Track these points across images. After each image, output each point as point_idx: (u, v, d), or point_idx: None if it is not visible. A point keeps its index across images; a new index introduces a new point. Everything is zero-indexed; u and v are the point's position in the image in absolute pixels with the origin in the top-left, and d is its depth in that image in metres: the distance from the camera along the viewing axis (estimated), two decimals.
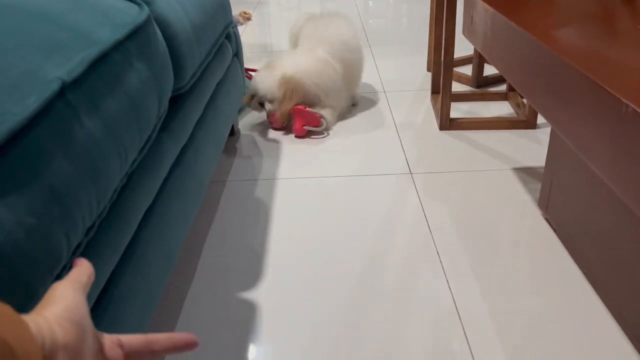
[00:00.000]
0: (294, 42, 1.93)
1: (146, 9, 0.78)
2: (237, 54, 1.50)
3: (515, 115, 1.75)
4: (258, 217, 1.28)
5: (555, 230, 1.17)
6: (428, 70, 2.19)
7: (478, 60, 1.96)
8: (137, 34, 0.72)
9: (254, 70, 1.86)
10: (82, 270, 0.42)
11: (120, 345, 0.42)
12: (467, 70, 2.09)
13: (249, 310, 1.00)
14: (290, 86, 1.64)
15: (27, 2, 0.61)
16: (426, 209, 1.27)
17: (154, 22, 0.81)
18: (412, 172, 1.44)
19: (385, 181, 1.40)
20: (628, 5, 1.05)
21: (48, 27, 0.59)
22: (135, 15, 0.74)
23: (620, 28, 0.93)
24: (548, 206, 1.19)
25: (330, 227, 1.22)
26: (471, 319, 0.95)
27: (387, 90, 2.02)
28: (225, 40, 1.34)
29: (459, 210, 1.26)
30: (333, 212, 1.28)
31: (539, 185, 1.34)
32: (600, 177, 0.70)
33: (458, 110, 1.81)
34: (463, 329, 0.93)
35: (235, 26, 1.48)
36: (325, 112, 1.69)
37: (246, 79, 1.80)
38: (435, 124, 1.71)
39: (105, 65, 0.62)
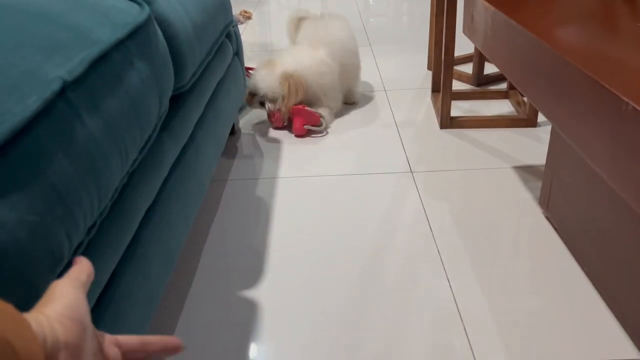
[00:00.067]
0: (292, 34, 1.94)
1: (147, 8, 0.78)
2: (238, 53, 1.50)
3: (515, 113, 1.75)
4: (259, 216, 1.28)
5: (555, 229, 1.17)
6: (428, 68, 2.19)
7: (478, 59, 1.96)
8: (137, 33, 0.72)
9: (253, 69, 1.86)
10: (82, 269, 0.43)
11: (118, 345, 0.42)
12: (467, 68, 2.09)
13: (250, 310, 1.00)
14: (293, 81, 1.64)
15: (27, 2, 0.62)
16: (427, 208, 1.27)
17: (155, 22, 0.81)
18: (412, 170, 1.44)
19: (385, 180, 1.41)
20: (628, 3, 1.05)
21: (48, 27, 0.59)
22: (135, 14, 0.75)
23: (620, 26, 0.93)
24: (549, 204, 1.19)
25: (331, 226, 1.23)
26: (472, 318, 0.95)
27: (387, 88, 2.02)
28: (225, 39, 1.34)
29: (460, 208, 1.27)
30: (334, 211, 1.28)
31: (539, 184, 1.34)
32: (600, 175, 0.70)
33: (458, 108, 1.81)
34: (464, 327, 0.93)
35: (236, 25, 1.48)
36: (323, 111, 1.70)
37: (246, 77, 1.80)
38: (435, 123, 1.71)
39: (105, 64, 0.63)
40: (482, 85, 1.99)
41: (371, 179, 1.42)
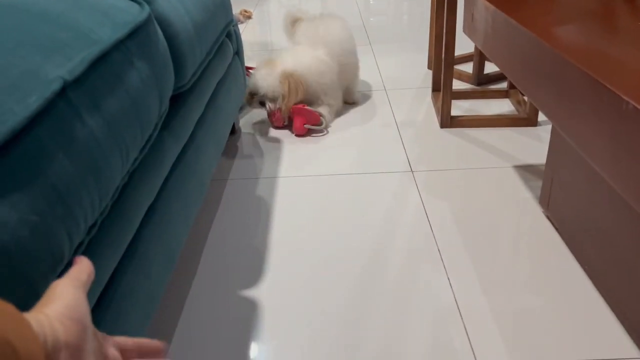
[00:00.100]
0: (289, 32, 1.94)
1: (147, 8, 0.78)
2: (238, 53, 1.50)
3: (516, 112, 1.75)
4: (259, 215, 1.28)
5: (556, 228, 1.17)
6: (429, 67, 2.19)
7: (479, 58, 1.96)
8: (137, 33, 0.72)
9: (253, 68, 1.86)
10: (82, 268, 0.43)
11: (117, 346, 0.43)
12: (467, 67, 2.09)
13: (250, 309, 1.00)
14: (294, 80, 1.65)
15: (28, 2, 0.62)
16: (427, 207, 1.27)
17: (155, 21, 0.81)
18: (413, 169, 1.44)
19: (386, 179, 1.41)
20: (628, 2, 1.05)
21: (48, 27, 0.59)
22: (136, 14, 0.75)
23: (620, 25, 0.93)
24: (549, 203, 1.19)
25: (331, 225, 1.23)
26: (472, 317, 0.95)
27: (387, 88, 2.02)
28: (226, 38, 1.34)
29: (460, 208, 1.27)
30: (334, 210, 1.28)
31: (539, 183, 1.34)
32: (600, 174, 0.70)
33: (459, 107, 1.81)
34: (464, 326, 0.93)
35: (236, 24, 1.48)
36: (323, 110, 1.70)
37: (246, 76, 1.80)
38: (436, 122, 1.71)
39: (106, 64, 0.63)
40: (482, 84, 1.99)
41: (371, 178, 1.42)
